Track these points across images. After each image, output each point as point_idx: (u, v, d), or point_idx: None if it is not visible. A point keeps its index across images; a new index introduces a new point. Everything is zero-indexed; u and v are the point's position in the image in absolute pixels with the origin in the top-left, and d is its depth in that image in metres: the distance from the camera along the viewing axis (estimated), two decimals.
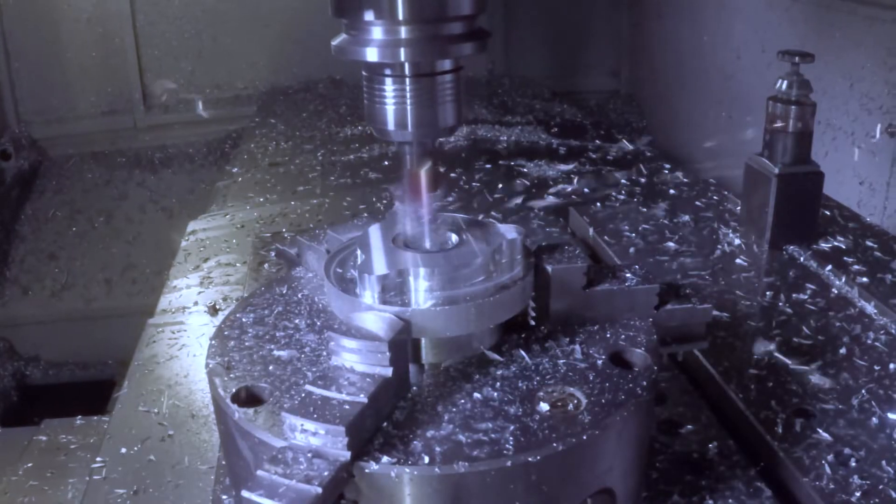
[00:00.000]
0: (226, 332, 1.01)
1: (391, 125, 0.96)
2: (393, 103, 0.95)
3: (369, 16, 0.90)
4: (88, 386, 3.56)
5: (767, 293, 1.51)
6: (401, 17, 0.89)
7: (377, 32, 0.91)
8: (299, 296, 1.08)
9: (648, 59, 4.07)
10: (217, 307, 1.67)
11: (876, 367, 1.27)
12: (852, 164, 2.43)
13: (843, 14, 2.47)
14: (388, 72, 0.94)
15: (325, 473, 0.74)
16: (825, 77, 2.44)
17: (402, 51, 0.91)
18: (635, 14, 4.15)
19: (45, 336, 3.69)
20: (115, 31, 3.96)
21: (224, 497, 1.04)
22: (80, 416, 1.53)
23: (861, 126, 2.40)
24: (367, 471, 0.78)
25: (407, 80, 0.94)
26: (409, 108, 0.94)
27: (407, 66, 0.93)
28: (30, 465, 1.39)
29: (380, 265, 0.93)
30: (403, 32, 0.91)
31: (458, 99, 0.97)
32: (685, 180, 2.27)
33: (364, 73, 0.97)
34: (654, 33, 3.96)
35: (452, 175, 2.42)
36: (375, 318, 0.87)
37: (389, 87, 0.94)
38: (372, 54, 0.92)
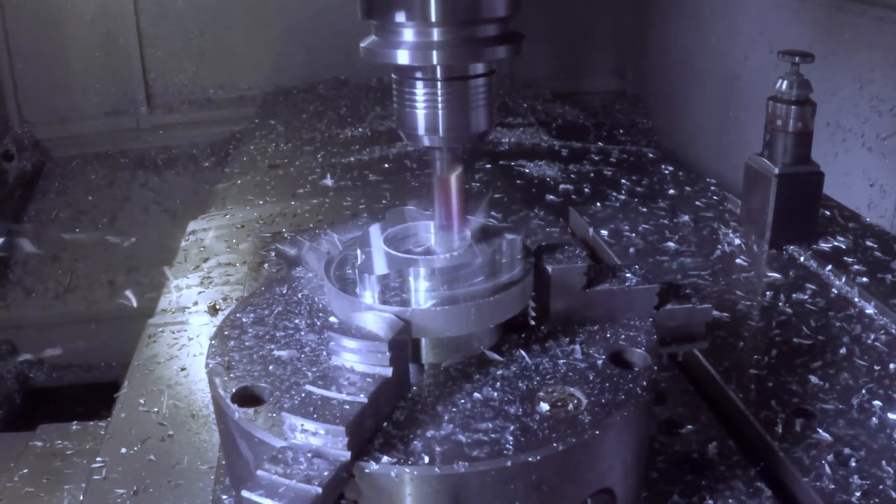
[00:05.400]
0: (226, 332, 1.01)
1: (421, 129, 0.93)
2: (424, 107, 0.92)
3: (400, 17, 0.88)
4: (92, 388, 3.55)
5: (767, 293, 1.51)
6: (433, 18, 0.87)
7: (408, 34, 0.89)
8: (299, 296, 1.08)
9: (654, 59, 4.06)
10: (217, 307, 1.67)
11: (876, 367, 1.27)
12: (862, 166, 2.42)
13: (852, 15, 2.46)
14: (419, 75, 0.92)
15: (325, 473, 0.74)
16: (834, 78, 2.44)
17: (435, 53, 0.88)
18: (641, 14, 4.14)
19: (48, 338, 3.68)
20: (119, 31, 3.96)
21: (224, 497, 1.04)
22: (76, 422, 1.53)
23: (871, 127, 2.39)
24: (367, 471, 0.78)
25: (438, 83, 0.91)
26: (440, 112, 0.92)
27: (439, 69, 0.91)
28: (25, 471, 1.38)
29: (380, 265, 0.93)
30: (436, 35, 0.88)
31: (490, 103, 0.95)
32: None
33: (394, 75, 0.94)
34: (660, 34, 3.96)
35: None
36: (375, 318, 0.87)
37: (420, 90, 0.92)
38: (403, 57, 0.89)
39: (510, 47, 0.92)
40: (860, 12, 2.43)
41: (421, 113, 0.93)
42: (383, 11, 0.89)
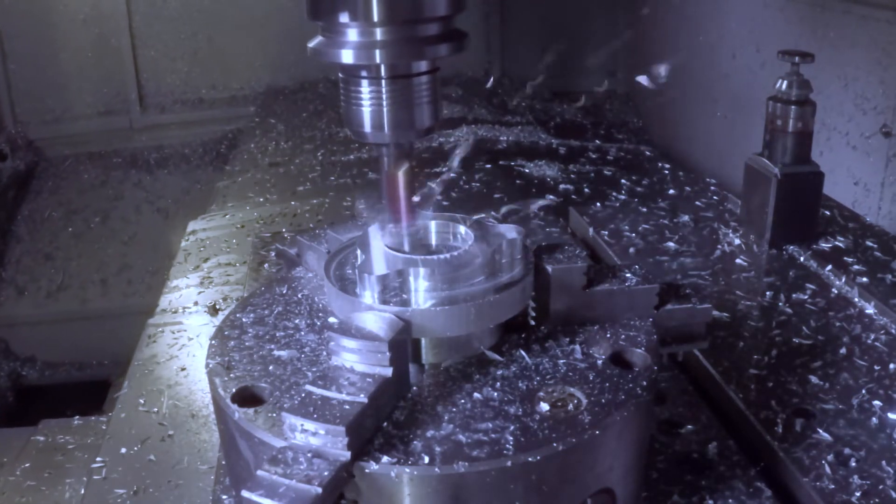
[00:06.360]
0: (226, 332, 1.01)
1: (368, 127, 0.96)
2: (369, 105, 0.94)
3: (344, 18, 0.90)
4: (84, 386, 3.55)
5: (767, 293, 1.51)
6: (376, 18, 0.89)
7: (353, 34, 0.91)
8: (299, 296, 1.08)
9: (645, 59, 4.07)
10: (217, 307, 1.67)
11: (876, 367, 1.27)
12: (847, 165, 2.43)
13: (837, 14, 2.47)
14: (364, 74, 0.94)
15: (325, 473, 0.74)
16: (820, 77, 2.44)
17: (378, 52, 0.91)
18: (631, 14, 4.15)
19: (41, 336, 3.68)
20: (111, 31, 3.96)
21: (224, 497, 1.04)
22: (77, 417, 1.53)
23: (856, 126, 2.40)
24: (367, 471, 0.78)
25: (383, 81, 0.93)
26: (385, 109, 0.94)
27: (383, 67, 0.93)
28: (27, 465, 1.39)
29: (380, 265, 0.93)
30: (379, 34, 0.90)
31: (434, 100, 0.97)
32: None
33: (340, 75, 0.96)
34: (650, 33, 3.97)
35: (452, 175, 2.42)
36: (375, 318, 0.87)
37: (366, 88, 0.94)
38: (348, 56, 0.91)
39: (452, 45, 0.94)
40: (845, 10, 2.44)
41: (367, 111, 0.95)
42: (328, 13, 0.92)
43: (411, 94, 0.95)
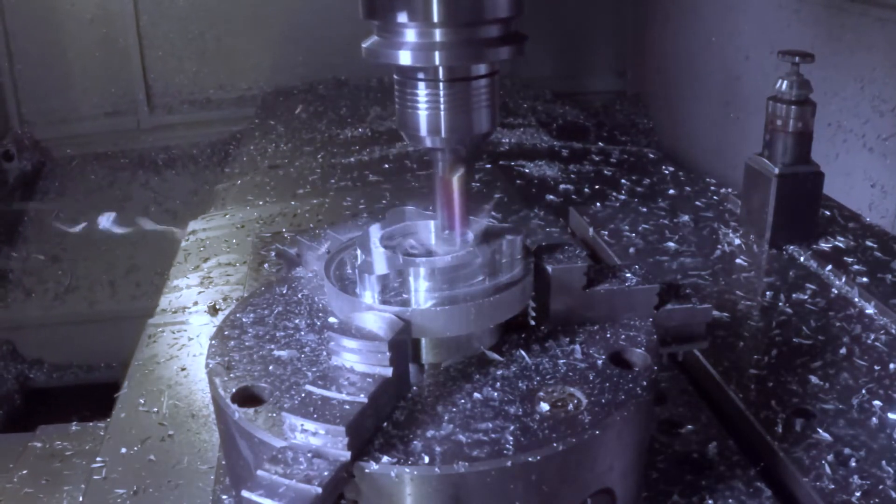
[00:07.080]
0: (226, 332, 1.01)
1: (423, 131, 0.93)
2: (426, 108, 0.92)
3: (402, 18, 0.88)
4: (92, 389, 3.54)
5: (767, 293, 1.51)
6: (436, 19, 0.87)
7: (411, 35, 0.89)
8: (299, 296, 1.08)
9: (655, 59, 4.06)
10: (217, 307, 1.67)
11: (876, 367, 1.27)
12: (864, 167, 2.42)
13: (853, 15, 2.46)
14: (421, 76, 0.91)
15: (325, 473, 0.74)
16: (836, 78, 2.43)
17: (437, 54, 0.88)
18: (641, 14, 4.14)
19: (48, 339, 3.67)
20: (119, 31, 3.97)
21: (224, 497, 1.04)
22: (76, 423, 1.52)
23: (872, 128, 2.39)
24: (367, 471, 0.78)
25: (441, 84, 0.91)
26: (442, 113, 0.92)
27: (441, 70, 0.90)
28: (25, 472, 1.38)
29: (380, 265, 0.93)
30: (438, 35, 0.88)
31: (493, 104, 0.95)
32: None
33: (396, 76, 0.94)
34: (660, 34, 3.96)
35: None
36: (375, 318, 0.87)
37: (422, 91, 0.92)
38: (405, 58, 0.89)
39: (513, 48, 0.91)
40: (861, 13, 2.43)
41: (423, 114, 0.93)
42: (385, 12, 0.89)
43: (469, 98, 0.92)
